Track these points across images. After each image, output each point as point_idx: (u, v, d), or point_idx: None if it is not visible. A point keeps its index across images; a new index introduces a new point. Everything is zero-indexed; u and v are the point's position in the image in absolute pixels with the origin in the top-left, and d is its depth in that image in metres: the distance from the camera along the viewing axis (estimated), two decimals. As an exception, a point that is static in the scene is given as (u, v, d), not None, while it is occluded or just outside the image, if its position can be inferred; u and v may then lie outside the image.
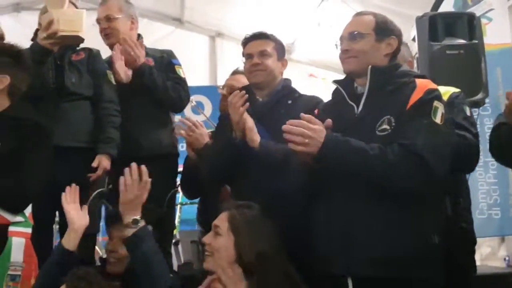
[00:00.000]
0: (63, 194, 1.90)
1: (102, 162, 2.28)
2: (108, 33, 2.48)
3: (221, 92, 2.61)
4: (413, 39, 2.72)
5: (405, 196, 1.54)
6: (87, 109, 2.35)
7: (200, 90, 4.64)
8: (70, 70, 2.32)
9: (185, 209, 4.22)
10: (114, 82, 2.42)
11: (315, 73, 5.15)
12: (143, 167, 1.74)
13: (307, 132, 1.53)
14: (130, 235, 1.70)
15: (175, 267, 2.89)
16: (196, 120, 2.40)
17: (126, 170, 1.72)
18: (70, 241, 1.79)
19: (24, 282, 1.80)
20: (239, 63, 5.14)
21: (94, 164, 2.26)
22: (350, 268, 1.57)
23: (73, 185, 1.93)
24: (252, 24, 4.76)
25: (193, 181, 2.46)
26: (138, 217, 1.72)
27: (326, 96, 2.34)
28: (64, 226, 2.31)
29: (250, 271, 1.60)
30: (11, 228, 1.82)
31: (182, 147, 2.95)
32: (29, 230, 1.87)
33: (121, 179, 1.72)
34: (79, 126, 2.31)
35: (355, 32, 1.71)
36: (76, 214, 1.86)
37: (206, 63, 5.15)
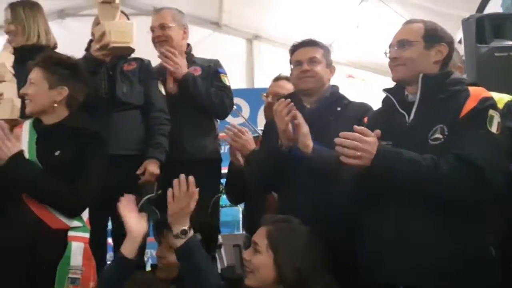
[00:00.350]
0: (119, 204, 1.95)
1: (149, 167, 2.36)
2: (162, 41, 2.59)
3: (265, 100, 2.66)
4: (459, 42, 2.70)
5: (460, 207, 1.55)
6: (137, 118, 2.46)
7: (238, 93, 4.70)
8: (121, 80, 2.44)
9: (224, 211, 4.30)
10: (163, 92, 2.53)
11: (353, 74, 5.15)
12: (191, 178, 1.79)
13: (360, 145, 1.55)
14: (180, 245, 1.75)
15: (218, 271, 2.96)
16: (242, 128, 2.46)
17: (175, 181, 1.78)
18: (129, 249, 1.83)
19: (84, 285, 1.91)
20: (277, 65, 5.18)
21: (139, 171, 2.34)
22: (400, 277, 1.58)
23: (126, 194, 1.99)
24: (289, 26, 4.82)
25: (238, 186, 2.54)
26: (186, 227, 1.76)
27: (364, 97, 2.36)
28: (116, 231, 2.44)
29: None
30: (70, 233, 1.94)
31: (224, 150, 3.04)
32: (87, 235, 1.99)
33: (169, 191, 1.77)
34: (129, 135, 2.41)
35: (404, 40, 1.73)
36: (134, 222, 1.89)
37: (243, 66, 5.23)
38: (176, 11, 2.69)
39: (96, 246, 2.08)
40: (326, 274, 1.67)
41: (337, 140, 1.57)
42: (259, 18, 4.95)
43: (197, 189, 1.78)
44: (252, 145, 2.39)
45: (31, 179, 1.90)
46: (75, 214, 1.95)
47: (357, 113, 1.97)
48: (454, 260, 1.54)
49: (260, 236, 1.70)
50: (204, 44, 4.83)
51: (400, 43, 1.74)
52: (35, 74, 2.02)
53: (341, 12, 4.62)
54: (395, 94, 1.77)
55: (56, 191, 1.91)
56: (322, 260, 1.68)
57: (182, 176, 1.78)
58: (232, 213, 4.26)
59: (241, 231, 4.33)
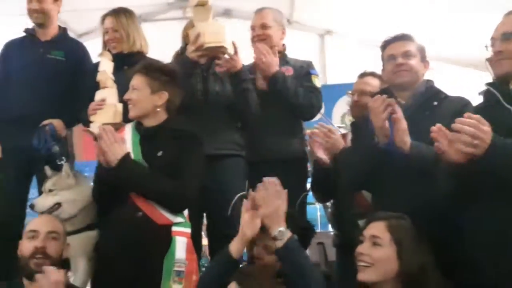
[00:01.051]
0: (244, 200, 2.00)
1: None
2: (262, 39, 2.72)
3: (351, 98, 2.70)
4: None
5: None
6: (229, 118, 2.58)
7: (311, 89, 4.77)
8: (214, 80, 2.57)
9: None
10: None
11: (431, 66, 5.04)
12: (274, 179, 1.88)
13: (478, 133, 1.54)
14: (280, 247, 1.82)
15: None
16: (332, 126, 2.53)
17: (259, 185, 1.87)
18: (236, 249, 1.88)
19: (187, 278, 2.06)
20: (349, 60, 5.15)
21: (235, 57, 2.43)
22: (504, 280, 1.58)
23: (251, 191, 1.97)
24: (362, 20, 4.80)
25: (325, 185, 2.60)
26: (283, 228, 1.83)
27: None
28: (211, 228, 2.58)
29: (411, 284, 1.65)
30: (174, 228, 2.09)
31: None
32: (189, 230, 2.14)
33: (254, 194, 1.86)
34: (222, 135, 2.53)
35: (509, 32, 1.71)
36: (248, 225, 1.90)
37: (316, 62, 5.21)
38: (277, 11, 2.83)
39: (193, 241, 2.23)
40: (442, 275, 1.69)
41: (455, 125, 1.56)
42: (331, 13, 4.96)
43: (285, 190, 1.85)
44: (342, 144, 2.43)
45: (140, 179, 2.07)
46: (179, 210, 2.11)
47: (455, 108, 1.96)
48: None
49: (380, 230, 1.72)
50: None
51: (504, 36, 1.72)
52: (138, 81, 2.19)
53: (416, 4, 4.54)
54: (498, 88, 1.76)
55: (163, 189, 2.06)
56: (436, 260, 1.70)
57: (265, 178, 1.87)
58: (309, 211, 4.32)
59: (319, 229, 4.40)
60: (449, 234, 1.81)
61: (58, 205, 2.31)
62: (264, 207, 1.87)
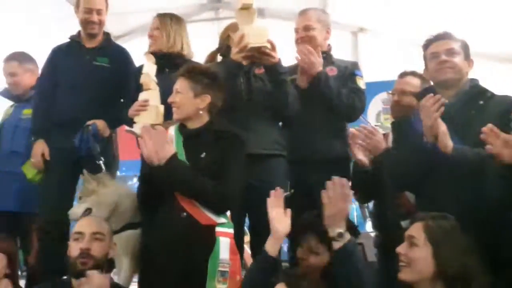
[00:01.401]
0: (268, 199, 2.10)
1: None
2: (305, 41, 2.74)
3: (390, 97, 2.69)
4: None
5: None
6: (272, 118, 2.60)
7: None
8: (256, 82, 2.60)
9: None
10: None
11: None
12: (344, 180, 1.89)
13: None
14: (337, 248, 1.84)
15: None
16: (373, 128, 2.51)
17: (329, 183, 1.88)
18: (273, 248, 1.94)
19: (231, 278, 2.09)
20: (382, 58, 5.11)
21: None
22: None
23: (278, 188, 2.14)
24: (396, 17, 4.75)
25: (365, 185, 2.60)
26: (343, 230, 1.86)
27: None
28: (253, 227, 2.62)
29: (452, 285, 1.65)
30: (218, 229, 2.13)
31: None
32: (232, 231, 2.17)
33: (323, 193, 1.88)
34: (265, 135, 2.55)
35: None
36: (279, 222, 2.00)
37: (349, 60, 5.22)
38: (321, 12, 2.86)
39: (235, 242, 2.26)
40: (490, 276, 1.68)
41: None
42: (364, 11, 4.93)
43: (352, 192, 1.86)
44: (383, 145, 2.41)
45: (186, 179, 2.12)
46: (221, 211, 2.15)
47: (501, 107, 1.94)
48: None
49: (417, 230, 1.74)
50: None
51: None
52: (181, 84, 2.25)
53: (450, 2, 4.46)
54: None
55: (207, 190, 2.11)
56: (484, 261, 1.69)
57: (336, 178, 1.87)
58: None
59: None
60: (500, 235, 1.80)
61: (89, 210, 2.41)
62: (329, 206, 1.89)
